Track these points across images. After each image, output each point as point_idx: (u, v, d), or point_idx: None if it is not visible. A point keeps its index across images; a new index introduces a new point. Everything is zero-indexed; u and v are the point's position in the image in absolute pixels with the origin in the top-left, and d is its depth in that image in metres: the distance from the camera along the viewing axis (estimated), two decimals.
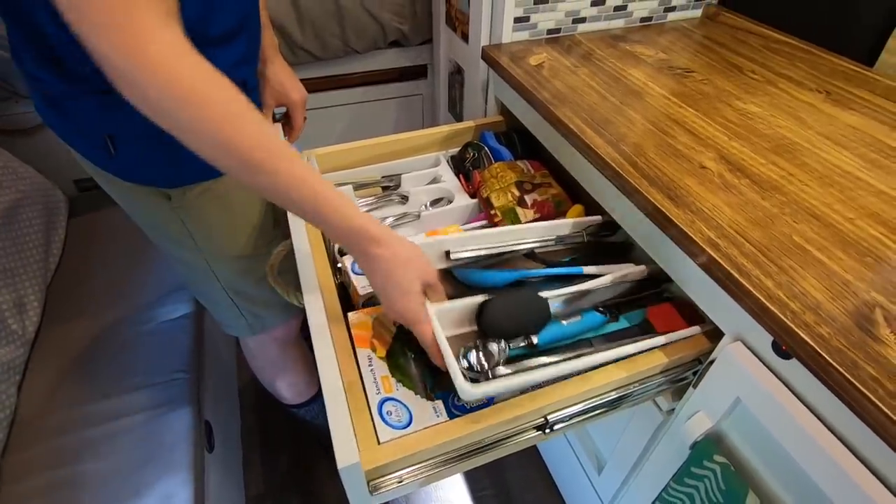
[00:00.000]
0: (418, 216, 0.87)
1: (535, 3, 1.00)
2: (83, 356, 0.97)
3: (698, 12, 1.16)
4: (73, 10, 0.39)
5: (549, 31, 1.05)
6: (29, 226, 1.07)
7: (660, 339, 0.64)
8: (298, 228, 0.73)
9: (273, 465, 1.28)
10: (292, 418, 1.34)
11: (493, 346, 0.56)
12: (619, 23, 1.10)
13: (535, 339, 0.60)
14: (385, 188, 0.92)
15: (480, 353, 0.55)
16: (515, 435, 0.58)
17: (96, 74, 0.42)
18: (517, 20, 1.01)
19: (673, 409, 0.70)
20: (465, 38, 1.15)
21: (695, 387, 0.64)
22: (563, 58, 0.97)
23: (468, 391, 0.51)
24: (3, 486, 0.79)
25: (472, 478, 1.26)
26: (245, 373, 1.47)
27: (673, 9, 1.13)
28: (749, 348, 0.56)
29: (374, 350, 0.62)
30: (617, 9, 1.08)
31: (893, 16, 0.85)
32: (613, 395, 0.62)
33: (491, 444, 0.57)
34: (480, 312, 0.61)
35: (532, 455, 1.29)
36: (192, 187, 0.68)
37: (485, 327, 0.60)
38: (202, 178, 0.68)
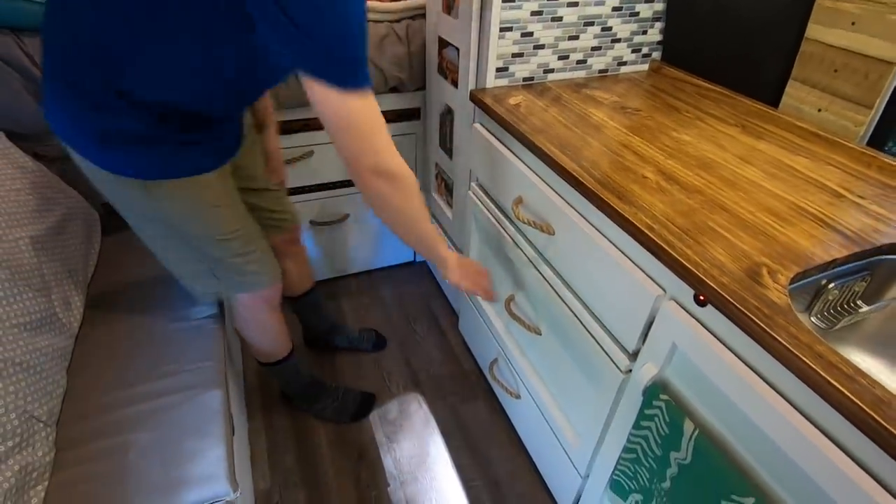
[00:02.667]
0: None
1: (512, 57, 1.24)
2: (122, 348, 1.09)
3: (645, 66, 1.42)
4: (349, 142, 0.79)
5: (525, 79, 1.29)
6: (73, 237, 1.21)
7: None
8: None
9: (278, 462, 1.38)
10: (298, 415, 1.46)
11: None
12: (581, 73, 1.35)
13: None
14: None
15: None
16: None
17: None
18: (498, 70, 1.24)
19: (630, 370, 0.88)
20: (454, 84, 1.38)
21: (643, 343, 0.82)
22: (537, 100, 1.20)
23: None
24: (59, 452, 0.90)
25: (462, 471, 1.38)
26: (251, 378, 1.59)
27: (625, 63, 1.38)
28: (679, 304, 0.74)
29: None
30: (579, 62, 1.32)
31: (788, 70, 1.11)
32: None
33: None
34: None
35: (520, 450, 1.42)
36: (166, 181, 0.86)
37: None
38: (175, 176, 0.87)
